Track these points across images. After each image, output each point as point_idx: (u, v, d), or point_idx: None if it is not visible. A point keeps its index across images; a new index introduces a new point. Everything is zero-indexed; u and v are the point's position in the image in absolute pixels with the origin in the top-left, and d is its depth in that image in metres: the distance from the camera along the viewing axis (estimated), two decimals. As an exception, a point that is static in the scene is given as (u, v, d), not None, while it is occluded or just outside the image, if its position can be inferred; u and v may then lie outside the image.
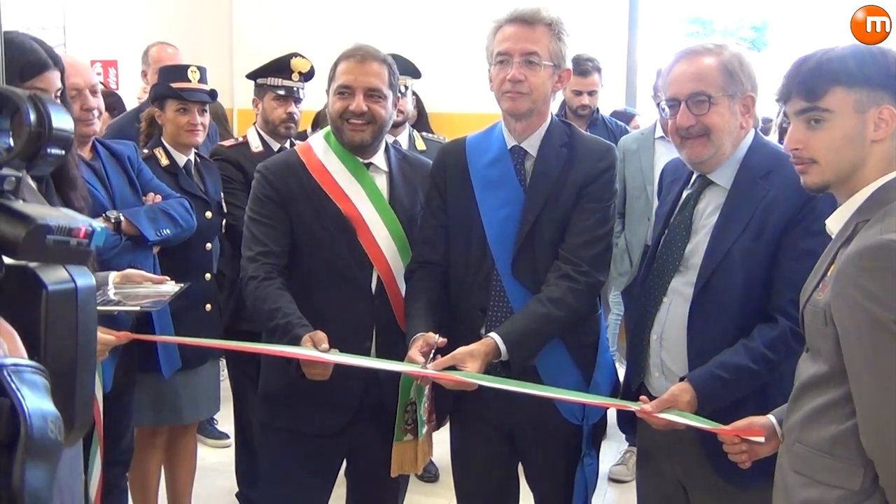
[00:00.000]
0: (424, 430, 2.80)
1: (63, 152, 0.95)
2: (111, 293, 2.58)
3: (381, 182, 2.85)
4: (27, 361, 0.77)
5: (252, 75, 4.03)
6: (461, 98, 6.66)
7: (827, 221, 2.02)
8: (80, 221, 1.09)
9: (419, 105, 6.56)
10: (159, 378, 3.37)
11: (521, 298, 2.64)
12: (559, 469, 2.74)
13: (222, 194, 3.75)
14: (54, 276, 1.08)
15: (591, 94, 5.05)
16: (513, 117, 2.66)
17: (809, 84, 1.94)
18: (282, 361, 2.73)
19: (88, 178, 3.10)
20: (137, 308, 2.59)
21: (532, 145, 2.69)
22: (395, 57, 4.43)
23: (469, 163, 2.72)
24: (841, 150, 1.92)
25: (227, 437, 4.88)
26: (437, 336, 2.53)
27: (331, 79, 2.82)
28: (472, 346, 2.49)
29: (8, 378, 0.70)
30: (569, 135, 2.72)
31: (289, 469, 2.89)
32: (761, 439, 2.15)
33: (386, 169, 2.87)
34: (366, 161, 2.84)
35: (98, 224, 1.18)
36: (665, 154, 4.61)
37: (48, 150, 0.93)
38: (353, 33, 7.02)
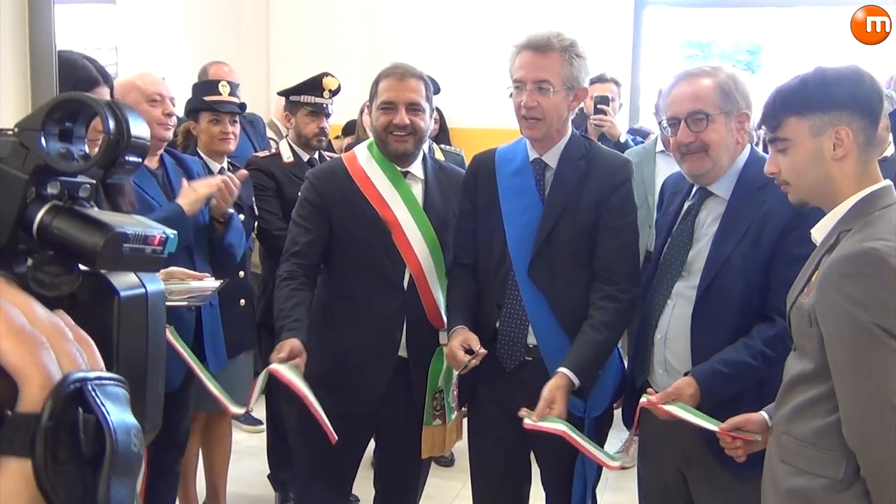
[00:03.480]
0: (454, 415, 2.86)
1: (140, 160, 0.92)
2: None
3: (417, 189, 2.89)
4: (109, 374, 0.72)
5: (285, 93, 4.04)
6: (481, 113, 6.64)
7: (812, 231, 2.02)
8: (155, 229, 1.05)
9: (441, 120, 6.56)
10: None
11: (534, 298, 2.66)
12: (563, 458, 2.74)
13: (254, 200, 3.76)
14: (125, 282, 1.04)
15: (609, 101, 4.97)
16: (529, 140, 2.70)
17: (769, 116, 1.99)
18: (315, 348, 2.80)
19: (149, 187, 3.14)
20: (185, 303, 2.60)
21: (552, 158, 2.70)
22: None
23: (497, 172, 2.74)
24: (804, 172, 1.95)
25: (260, 423, 4.88)
26: (478, 345, 2.56)
27: (373, 95, 2.85)
28: (552, 390, 2.50)
29: (92, 393, 0.66)
30: (587, 148, 2.73)
31: (320, 446, 2.87)
32: (757, 437, 2.15)
33: (422, 177, 2.91)
34: (404, 170, 2.87)
35: (171, 232, 1.14)
36: (665, 167, 4.60)
37: (126, 158, 0.89)
38: (379, 51, 7.09)
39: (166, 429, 2.85)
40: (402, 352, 2.83)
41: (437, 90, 4.58)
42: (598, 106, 4.82)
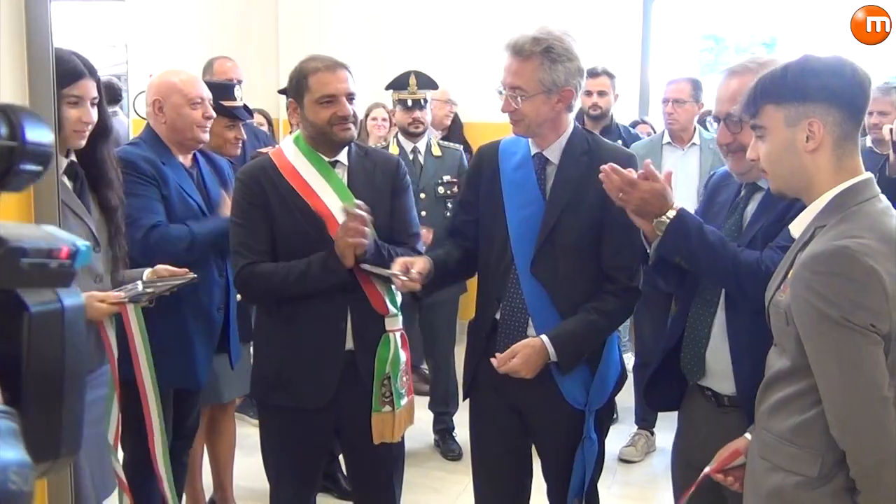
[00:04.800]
0: (403, 401, 2.87)
1: (41, 168, 0.84)
2: (140, 287, 2.63)
3: (342, 176, 2.87)
4: None
5: (286, 90, 4.05)
6: (491, 108, 6.62)
7: (790, 227, 1.98)
8: (63, 241, 0.95)
9: (455, 115, 6.58)
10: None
11: (535, 293, 2.66)
12: (564, 449, 2.74)
13: None
14: (38, 298, 0.96)
15: (601, 94, 4.97)
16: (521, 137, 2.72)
17: (749, 102, 1.95)
18: (265, 348, 2.93)
19: (186, 185, 3.17)
20: (167, 293, 2.68)
21: (553, 153, 2.69)
22: (417, 73, 4.50)
23: (500, 163, 2.74)
24: (778, 161, 1.91)
25: (269, 417, 4.89)
26: (429, 266, 2.64)
27: (301, 90, 2.81)
28: (520, 345, 2.56)
29: None
30: (589, 143, 2.71)
31: (283, 444, 2.93)
32: (742, 460, 2.11)
33: (346, 163, 2.89)
34: (331, 160, 2.86)
35: (83, 243, 1.08)
36: (671, 159, 4.64)
37: (22, 167, 0.81)
38: (389, 49, 7.10)
39: (176, 419, 2.85)
40: (350, 342, 2.81)
41: (434, 86, 4.65)
42: None
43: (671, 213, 2.29)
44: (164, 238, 3.01)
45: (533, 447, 2.89)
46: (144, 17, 6.70)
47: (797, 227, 1.92)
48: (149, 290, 2.61)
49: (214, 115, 3.25)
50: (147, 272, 2.71)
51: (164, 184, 3.09)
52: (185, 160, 3.25)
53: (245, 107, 3.79)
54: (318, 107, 2.78)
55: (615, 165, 2.38)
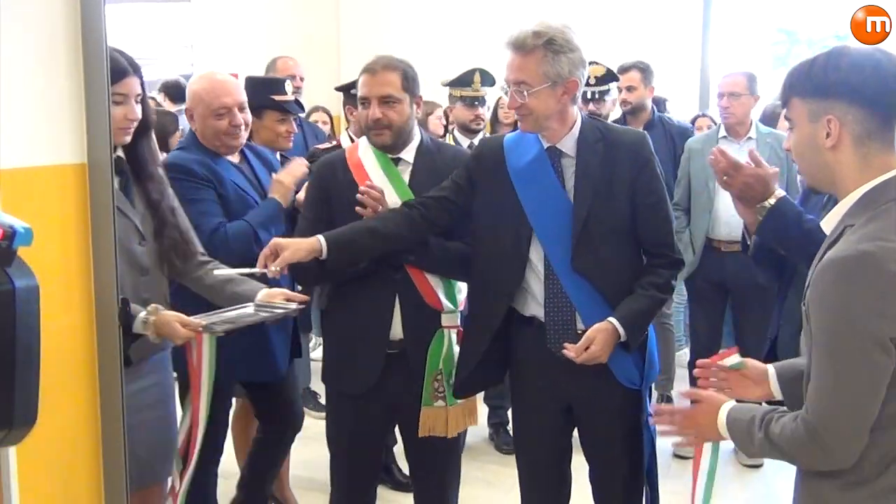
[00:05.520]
0: (459, 399, 2.89)
1: None
2: (251, 309, 2.67)
3: (406, 173, 2.91)
4: None
5: (344, 88, 4.13)
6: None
7: (822, 223, 1.92)
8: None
9: (494, 110, 6.61)
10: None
11: (577, 287, 2.65)
12: (617, 436, 2.76)
13: None
14: None
15: (629, 89, 4.96)
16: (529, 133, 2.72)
17: (781, 94, 1.91)
18: (327, 334, 3.03)
19: (239, 181, 3.26)
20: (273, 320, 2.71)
21: (567, 146, 2.69)
22: (482, 71, 4.53)
23: (507, 161, 2.73)
24: (803, 156, 1.88)
25: (327, 408, 4.99)
26: (302, 254, 2.64)
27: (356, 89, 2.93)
28: (595, 330, 2.58)
29: None
30: (601, 130, 2.72)
31: (339, 429, 3.02)
32: (735, 357, 2.11)
33: (412, 161, 2.93)
34: (394, 157, 2.91)
35: (21, 225, 1.13)
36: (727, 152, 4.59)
37: None
38: (447, 43, 7.14)
39: (283, 409, 3.13)
40: (399, 332, 2.85)
41: (493, 83, 4.67)
42: None
43: (772, 200, 2.33)
44: (227, 240, 3.10)
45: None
46: (209, 18, 6.87)
47: (828, 224, 1.87)
48: (263, 315, 2.65)
49: (242, 121, 3.25)
50: (262, 294, 2.72)
51: (219, 183, 3.18)
52: (234, 157, 3.33)
53: (297, 101, 3.85)
54: (360, 108, 2.90)
55: (722, 149, 2.47)
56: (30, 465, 2.24)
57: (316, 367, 4.88)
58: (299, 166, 3.41)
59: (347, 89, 4.13)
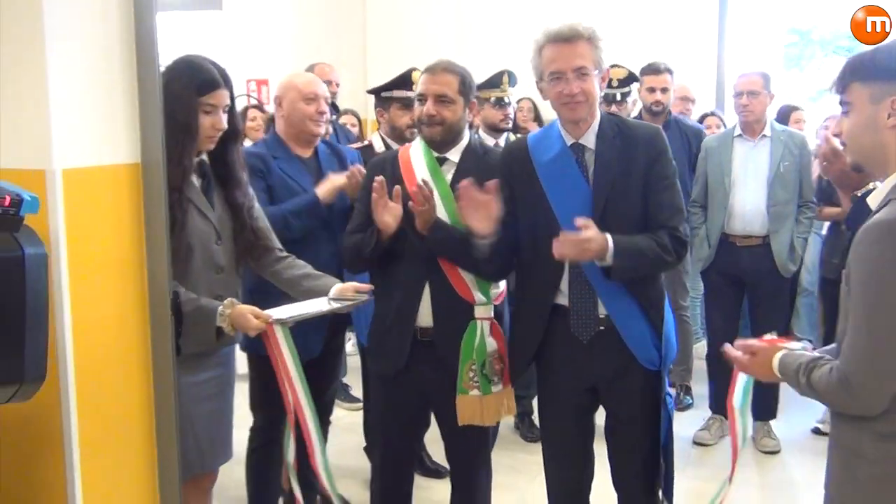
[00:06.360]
0: (494, 388, 2.95)
1: None
2: (326, 304, 2.80)
3: (450, 173, 3.01)
4: None
5: (375, 91, 4.22)
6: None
7: (868, 199, 2.03)
8: (6, 192, 1.08)
9: (536, 112, 6.71)
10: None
11: (598, 273, 2.71)
12: (637, 414, 2.84)
13: None
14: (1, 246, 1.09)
15: (664, 91, 5.05)
16: (572, 122, 2.78)
17: (838, 80, 2.01)
18: (375, 319, 3.09)
19: (299, 176, 3.42)
20: (325, 311, 2.81)
21: (589, 140, 2.79)
22: (509, 73, 4.60)
23: (533, 160, 2.82)
24: (859, 135, 1.97)
25: (359, 401, 5.07)
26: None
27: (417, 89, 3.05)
28: (595, 233, 2.59)
29: None
30: (618, 125, 2.83)
31: (376, 407, 3.18)
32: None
33: (457, 162, 3.02)
34: (441, 156, 3.01)
35: (28, 194, 1.21)
36: (742, 150, 4.70)
37: None
38: (471, 48, 7.21)
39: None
40: (427, 320, 2.95)
41: (516, 83, 4.74)
42: None
43: (868, 187, 2.40)
44: None
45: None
46: (239, 26, 6.95)
47: (875, 199, 1.98)
48: (335, 306, 2.79)
49: (327, 111, 3.47)
50: (336, 288, 2.84)
51: (268, 174, 3.35)
52: (305, 152, 3.49)
53: (333, 104, 3.96)
54: (417, 103, 3.03)
55: (829, 136, 2.53)
56: (89, 451, 2.33)
57: (349, 361, 4.99)
58: (348, 172, 3.48)
59: (378, 93, 4.21)
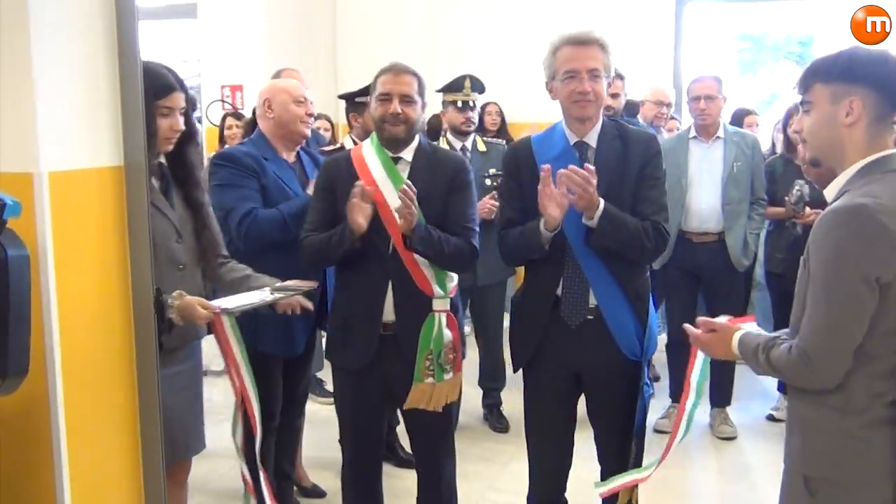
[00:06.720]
0: (446, 376, 3.06)
1: None
2: (268, 293, 2.89)
3: (405, 172, 3.10)
4: None
5: (346, 96, 4.33)
6: (535, 108, 6.79)
7: (825, 191, 2.16)
8: None
9: (501, 115, 6.82)
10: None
11: (592, 264, 2.86)
12: (618, 402, 2.96)
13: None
14: None
15: (614, 96, 5.10)
16: (580, 120, 2.90)
17: (802, 81, 2.15)
18: (336, 314, 3.15)
19: (286, 177, 3.50)
20: (269, 300, 2.88)
21: (592, 139, 2.94)
22: (471, 77, 4.72)
23: (537, 158, 2.92)
24: (819, 132, 2.11)
25: (332, 395, 5.13)
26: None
27: (372, 90, 3.13)
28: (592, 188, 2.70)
29: None
30: (618, 128, 2.98)
31: (343, 402, 3.25)
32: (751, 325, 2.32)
33: (410, 160, 3.13)
34: (395, 155, 3.11)
35: (10, 199, 1.28)
36: (697, 152, 4.84)
37: None
38: (440, 55, 7.31)
39: (288, 387, 3.34)
40: (391, 314, 3.06)
41: (482, 90, 4.86)
42: None
43: None
44: (258, 223, 3.33)
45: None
46: (214, 33, 7.00)
47: (830, 192, 2.11)
48: (277, 296, 2.88)
49: (315, 113, 3.56)
50: (278, 284, 2.95)
51: (263, 174, 3.42)
52: (289, 157, 3.57)
53: None
54: (376, 103, 3.10)
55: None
56: (76, 442, 2.38)
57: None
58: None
59: (351, 97, 4.31)
